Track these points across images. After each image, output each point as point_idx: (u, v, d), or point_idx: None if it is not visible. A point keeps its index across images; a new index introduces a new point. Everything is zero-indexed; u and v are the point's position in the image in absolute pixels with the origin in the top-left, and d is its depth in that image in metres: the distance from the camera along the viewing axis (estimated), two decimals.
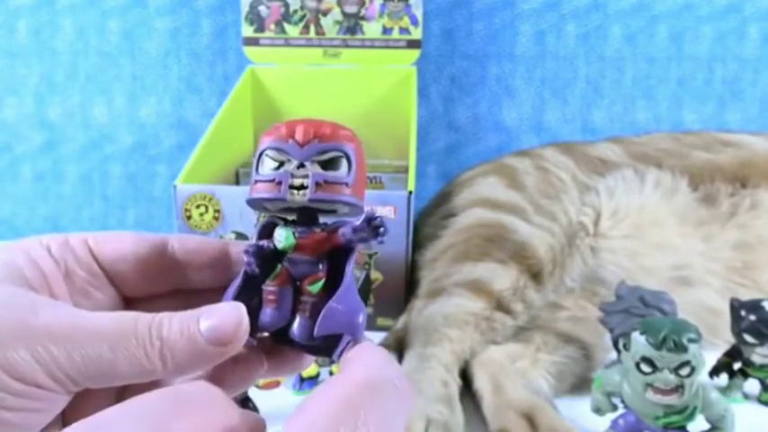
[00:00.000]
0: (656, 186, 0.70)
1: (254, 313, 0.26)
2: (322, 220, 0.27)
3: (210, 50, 0.93)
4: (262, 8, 0.86)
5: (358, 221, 0.26)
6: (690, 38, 0.91)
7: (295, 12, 0.86)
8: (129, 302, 0.29)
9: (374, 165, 0.80)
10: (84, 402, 0.25)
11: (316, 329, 0.26)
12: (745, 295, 0.57)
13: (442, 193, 0.78)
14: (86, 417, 0.25)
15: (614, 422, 0.46)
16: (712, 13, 0.90)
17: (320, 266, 0.27)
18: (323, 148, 0.26)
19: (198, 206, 0.63)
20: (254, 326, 0.26)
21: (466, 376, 0.54)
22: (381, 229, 0.26)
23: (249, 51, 0.87)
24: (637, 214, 0.68)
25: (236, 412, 0.22)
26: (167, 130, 0.95)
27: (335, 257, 0.27)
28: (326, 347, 0.26)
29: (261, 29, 0.86)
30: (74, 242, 0.28)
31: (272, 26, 0.86)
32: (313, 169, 0.26)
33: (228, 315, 0.24)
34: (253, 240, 0.27)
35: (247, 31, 0.86)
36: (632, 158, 0.73)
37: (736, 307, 0.54)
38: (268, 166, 0.26)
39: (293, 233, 0.27)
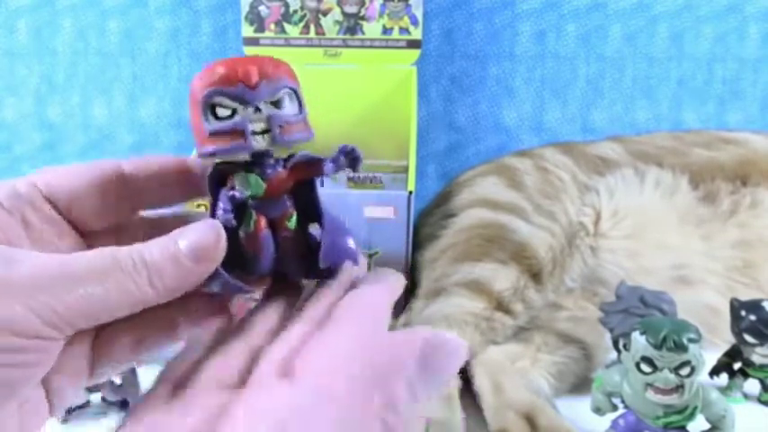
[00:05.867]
0: (657, 185, 0.70)
1: (238, 264, 0.26)
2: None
3: (210, 50, 0.93)
4: (262, 8, 0.86)
5: (333, 155, 0.27)
6: (690, 38, 0.91)
7: (295, 12, 0.86)
8: (90, 241, 0.29)
9: (374, 165, 0.79)
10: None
11: (321, 262, 0.26)
12: (746, 294, 0.57)
13: (442, 193, 0.78)
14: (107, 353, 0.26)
15: (614, 422, 0.46)
16: (712, 13, 0.90)
17: (287, 203, 0.27)
18: (273, 88, 0.25)
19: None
20: (245, 275, 0.26)
21: (466, 376, 0.54)
22: (359, 158, 0.27)
23: (249, 51, 0.87)
24: (637, 214, 0.68)
25: None
26: (167, 130, 0.95)
27: (297, 189, 0.28)
28: (326, 275, 0.27)
29: (261, 29, 0.86)
30: (23, 189, 0.27)
31: (272, 26, 0.86)
32: (269, 111, 0.25)
33: (205, 231, 0.24)
34: (207, 194, 0.27)
35: (247, 31, 0.86)
36: (632, 157, 0.73)
37: (736, 307, 0.54)
38: (220, 114, 0.25)
39: (261, 177, 0.26)
